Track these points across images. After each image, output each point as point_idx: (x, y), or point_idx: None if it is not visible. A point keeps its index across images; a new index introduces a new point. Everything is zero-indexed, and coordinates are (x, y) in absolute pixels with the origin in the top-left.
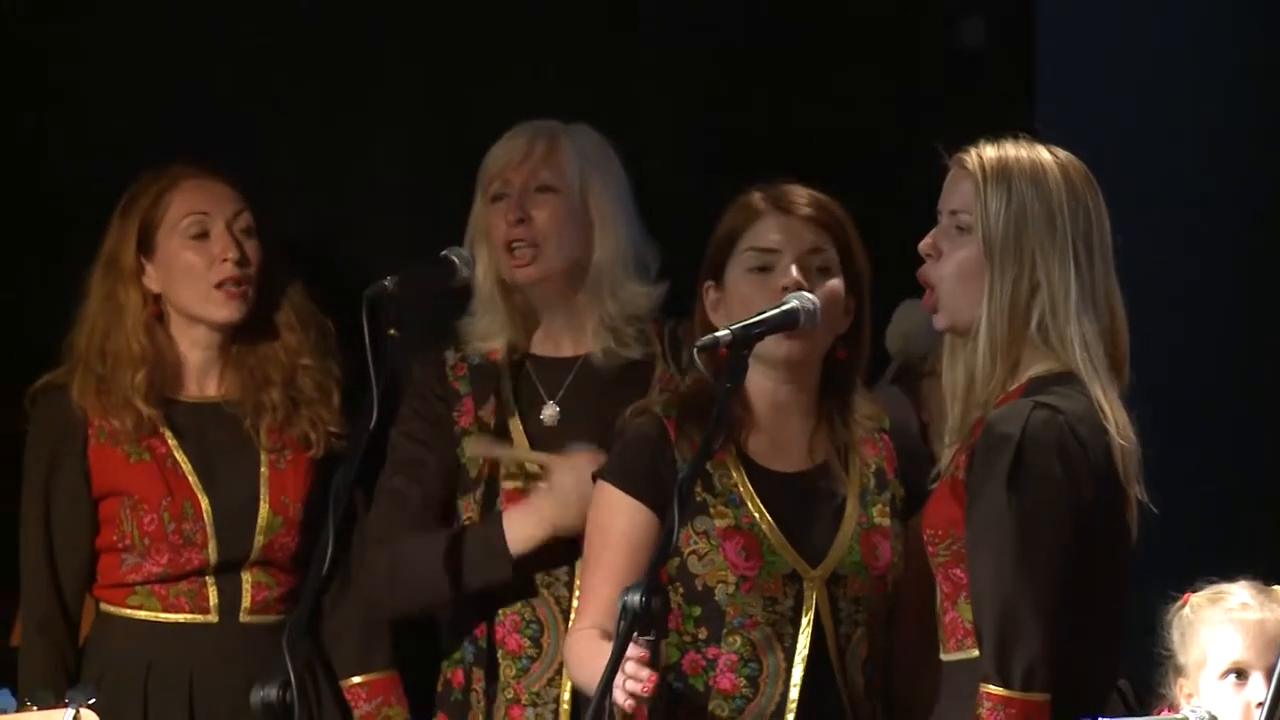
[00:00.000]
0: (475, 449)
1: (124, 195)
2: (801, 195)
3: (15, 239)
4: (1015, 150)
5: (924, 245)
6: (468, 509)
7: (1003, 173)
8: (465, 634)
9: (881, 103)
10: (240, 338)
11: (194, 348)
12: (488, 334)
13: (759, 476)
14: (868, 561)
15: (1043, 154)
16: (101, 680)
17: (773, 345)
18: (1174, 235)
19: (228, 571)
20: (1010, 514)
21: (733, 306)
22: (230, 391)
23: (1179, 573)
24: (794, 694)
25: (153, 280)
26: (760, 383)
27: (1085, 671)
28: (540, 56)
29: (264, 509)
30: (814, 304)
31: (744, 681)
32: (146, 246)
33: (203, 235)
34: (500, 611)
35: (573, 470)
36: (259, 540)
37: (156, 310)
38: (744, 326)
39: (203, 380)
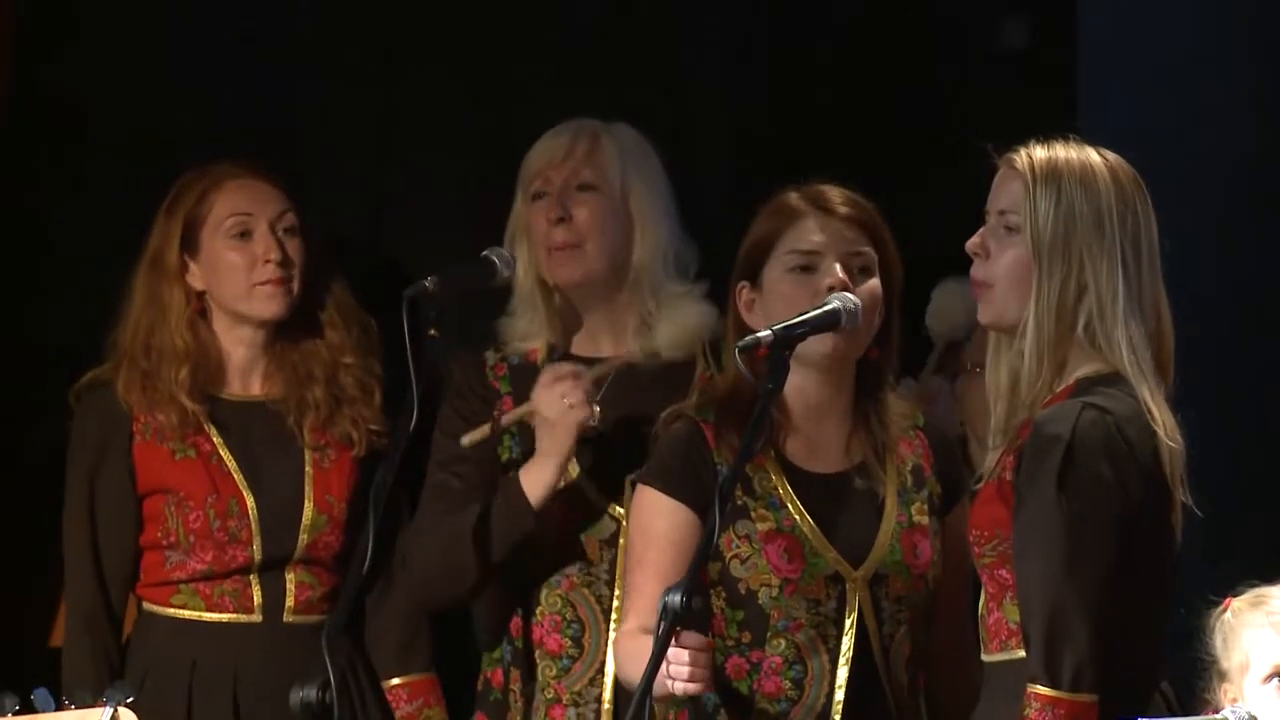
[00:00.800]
0: (472, 438)
1: (169, 193)
2: (839, 195)
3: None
4: (1065, 152)
5: (972, 244)
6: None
7: (1052, 174)
8: (504, 633)
9: (923, 104)
10: (283, 336)
11: (238, 345)
12: (527, 334)
13: (798, 478)
14: (908, 560)
15: (1092, 156)
16: (145, 679)
17: (815, 345)
18: (1216, 236)
19: (272, 570)
20: (1060, 515)
21: (773, 307)
22: (274, 390)
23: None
24: (839, 695)
25: (196, 278)
26: (798, 384)
27: (1129, 672)
28: (586, 57)
29: (309, 507)
30: (855, 304)
31: (789, 684)
32: (190, 245)
33: (246, 235)
34: (538, 611)
35: (542, 393)
36: (304, 539)
37: (200, 307)
38: (786, 327)
39: (246, 378)
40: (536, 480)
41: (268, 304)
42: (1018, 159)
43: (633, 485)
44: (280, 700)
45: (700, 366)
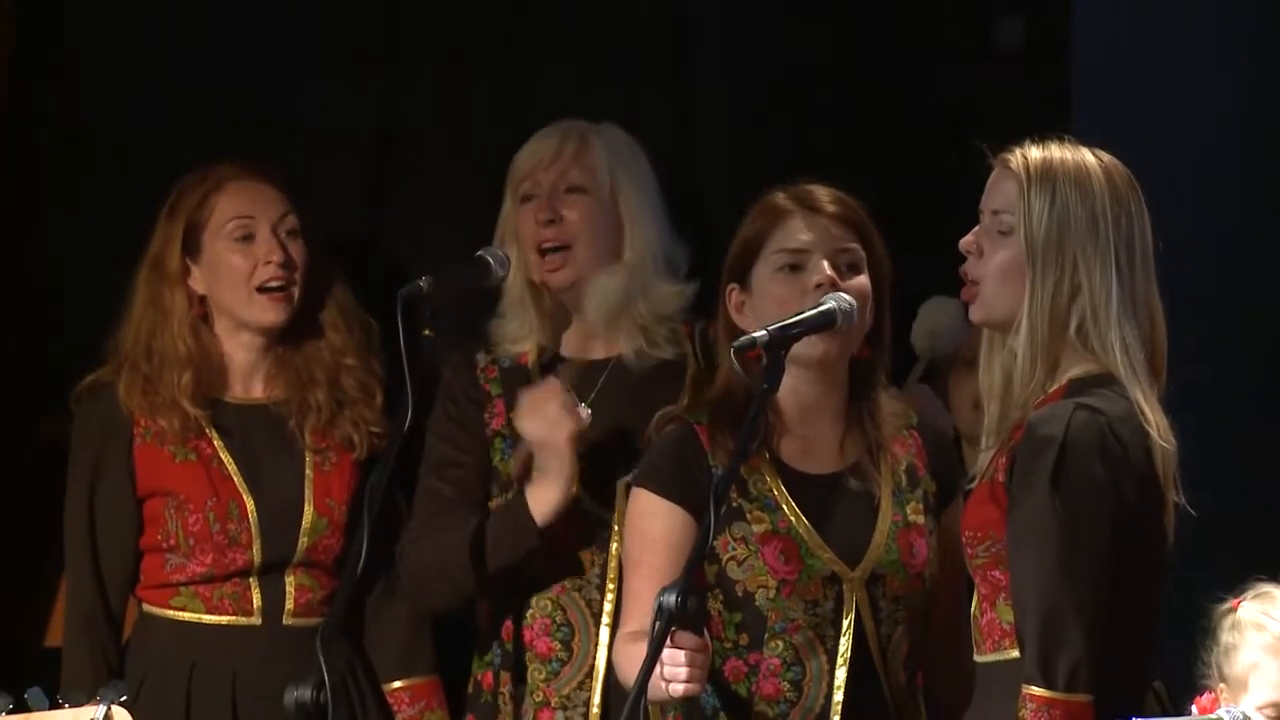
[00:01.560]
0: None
1: (170, 195)
2: (825, 194)
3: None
4: (1059, 152)
5: (965, 243)
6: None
7: (1046, 174)
8: (495, 636)
9: (919, 102)
10: (285, 338)
11: (239, 349)
12: (517, 336)
13: (793, 479)
14: (905, 560)
15: (1087, 156)
16: (144, 681)
17: (808, 345)
18: (1212, 238)
19: (271, 573)
20: (1054, 515)
21: (762, 307)
22: (275, 393)
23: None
24: (838, 696)
25: (198, 282)
26: (791, 385)
27: (1123, 672)
28: (584, 59)
29: (309, 510)
30: (850, 304)
31: (788, 685)
32: (192, 248)
33: (248, 238)
34: (529, 614)
35: (529, 424)
36: (303, 542)
37: (201, 311)
38: (781, 327)
39: (248, 381)
40: (544, 500)
41: (268, 312)
42: (1012, 159)
43: (625, 489)
44: (279, 702)
45: (691, 367)
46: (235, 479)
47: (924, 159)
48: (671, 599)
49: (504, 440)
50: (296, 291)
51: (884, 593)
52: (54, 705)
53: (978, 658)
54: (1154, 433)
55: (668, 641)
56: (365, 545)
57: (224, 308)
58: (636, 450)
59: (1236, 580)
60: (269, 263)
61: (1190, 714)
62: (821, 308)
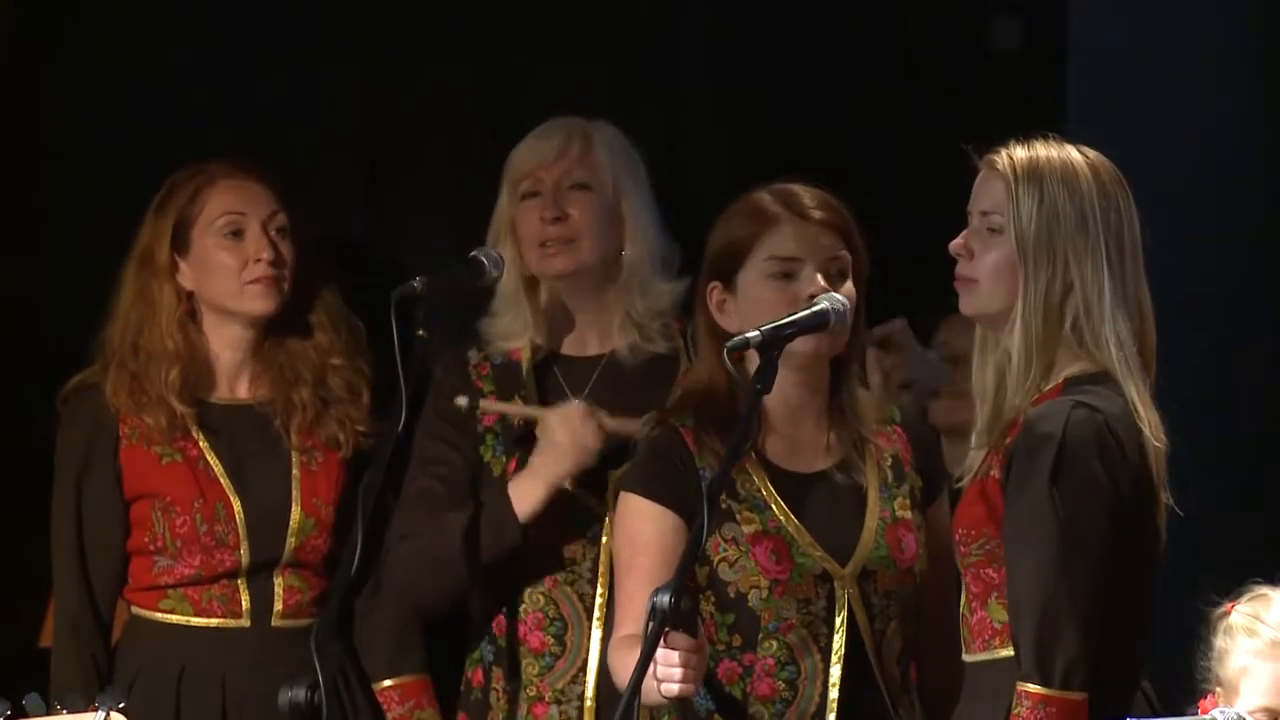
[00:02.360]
0: (486, 406)
1: (159, 192)
2: (811, 198)
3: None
4: (1046, 151)
5: (955, 246)
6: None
7: (1034, 173)
8: (486, 633)
9: (912, 102)
10: (271, 338)
11: (226, 348)
12: (510, 333)
13: (780, 479)
14: (894, 555)
15: (1073, 154)
16: (134, 684)
17: (799, 342)
18: (1208, 235)
19: (259, 574)
20: (1052, 513)
21: (748, 311)
22: (261, 393)
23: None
24: (833, 694)
25: (186, 278)
26: (777, 384)
27: (1115, 671)
28: (581, 58)
29: (296, 511)
30: (844, 304)
31: (783, 685)
32: (181, 244)
33: (238, 234)
34: (522, 609)
35: (562, 420)
36: (291, 542)
37: (189, 308)
38: (774, 328)
39: (234, 382)
40: (527, 497)
41: (258, 301)
42: (998, 159)
43: (616, 488)
44: (269, 704)
45: (684, 363)
46: (222, 480)
47: (920, 159)
48: (665, 599)
49: (495, 437)
50: (286, 287)
51: (875, 589)
52: (51, 710)
53: (967, 657)
54: (1147, 430)
55: (661, 642)
56: (360, 546)
57: (212, 303)
58: (630, 445)
59: (1235, 582)
60: (259, 260)
61: (1190, 714)
62: (815, 308)
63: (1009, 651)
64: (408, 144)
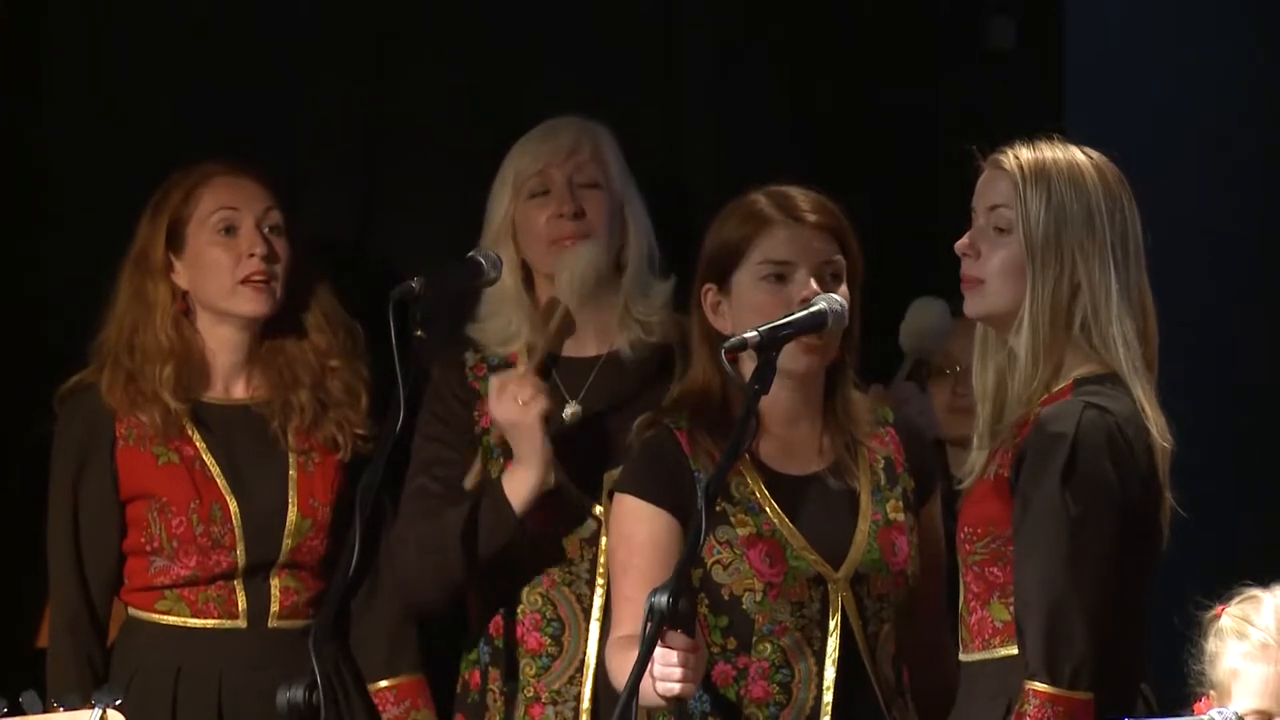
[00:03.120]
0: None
1: (157, 189)
2: (807, 201)
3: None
4: (1051, 151)
5: (961, 245)
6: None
7: (1041, 173)
8: (483, 634)
9: (908, 103)
10: (268, 339)
11: (222, 347)
12: (506, 336)
13: (774, 481)
14: (887, 558)
15: (1077, 155)
16: (131, 684)
17: (792, 359)
18: (1203, 235)
19: (256, 575)
20: (1064, 513)
21: (743, 314)
22: (258, 393)
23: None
24: (828, 697)
25: (181, 277)
26: (772, 389)
27: (1119, 671)
28: (579, 58)
29: (292, 512)
30: (842, 305)
31: (776, 688)
32: (176, 242)
33: (231, 231)
34: (520, 610)
35: (499, 405)
36: (287, 543)
37: (184, 307)
38: (772, 328)
39: (231, 382)
40: (519, 486)
41: (250, 303)
42: (1005, 159)
43: (611, 489)
44: (265, 705)
45: (680, 363)
46: (218, 481)
47: (916, 159)
48: (662, 600)
49: (500, 450)
50: (279, 287)
51: (869, 591)
52: (48, 709)
53: (964, 656)
54: (1154, 430)
55: (659, 643)
56: (357, 548)
57: (206, 301)
58: (624, 442)
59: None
60: (252, 255)
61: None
62: (813, 309)
63: (1009, 651)
64: (406, 145)
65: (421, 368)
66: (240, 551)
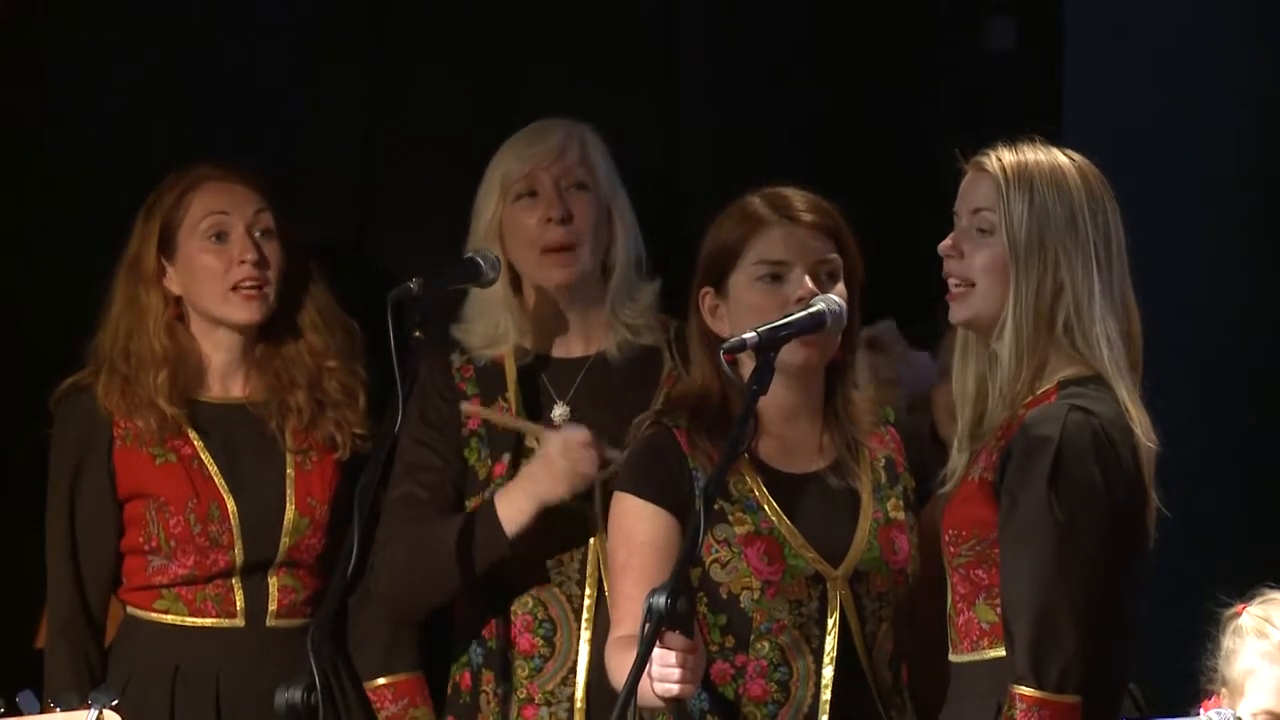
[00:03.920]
0: (470, 410)
1: (150, 194)
2: (803, 202)
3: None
4: (1034, 153)
5: (944, 246)
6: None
7: (1024, 175)
8: (475, 635)
9: (907, 103)
10: (264, 339)
11: (216, 349)
12: (492, 339)
13: (773, 480)
14: (887, 557)
15: (1059, 157)
16: (129, 683)
17: (791, 354)
18: (1202, 235)
19: (254, 574)
20: (1050, 516)
21: (740, 315)
22: (255, 393)
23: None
24: (825, 695)
25: (173, 282)
26: (771, 388)
27: (1106, 673)
28: (575, 61)
29: (290, 511)
30: (840, 305)
31: (774, 686)
32: (167, 248)
33: (221, 236)
34: (512, 611)
35: (564, 447)
36: (285, 542)
37: (177, 311)
38: (771, 329)
39: (227, 381)
40: (515, 511)
41: (242, 311)
42: (988, 161)
43: (604, 485)
44: (263, 704)
45: (667, 364)
46: (216, 480)
47: (913, 159)
48: (661, 600)
49: (479, 440)
50: (272, 292)
51: (868, 590)
52: (44, 709)
53: (953, 658)
54: (1138, 431)
55: (658, 643)
56: (356, 548)
57: (199, 307)
58: (615, 446)
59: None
60: (243, 262)
61: (1190, 715)
62: (811, 309)
63: (997, 652)
64: (403, 145)
65: (420, 368)
66: (238, 550)
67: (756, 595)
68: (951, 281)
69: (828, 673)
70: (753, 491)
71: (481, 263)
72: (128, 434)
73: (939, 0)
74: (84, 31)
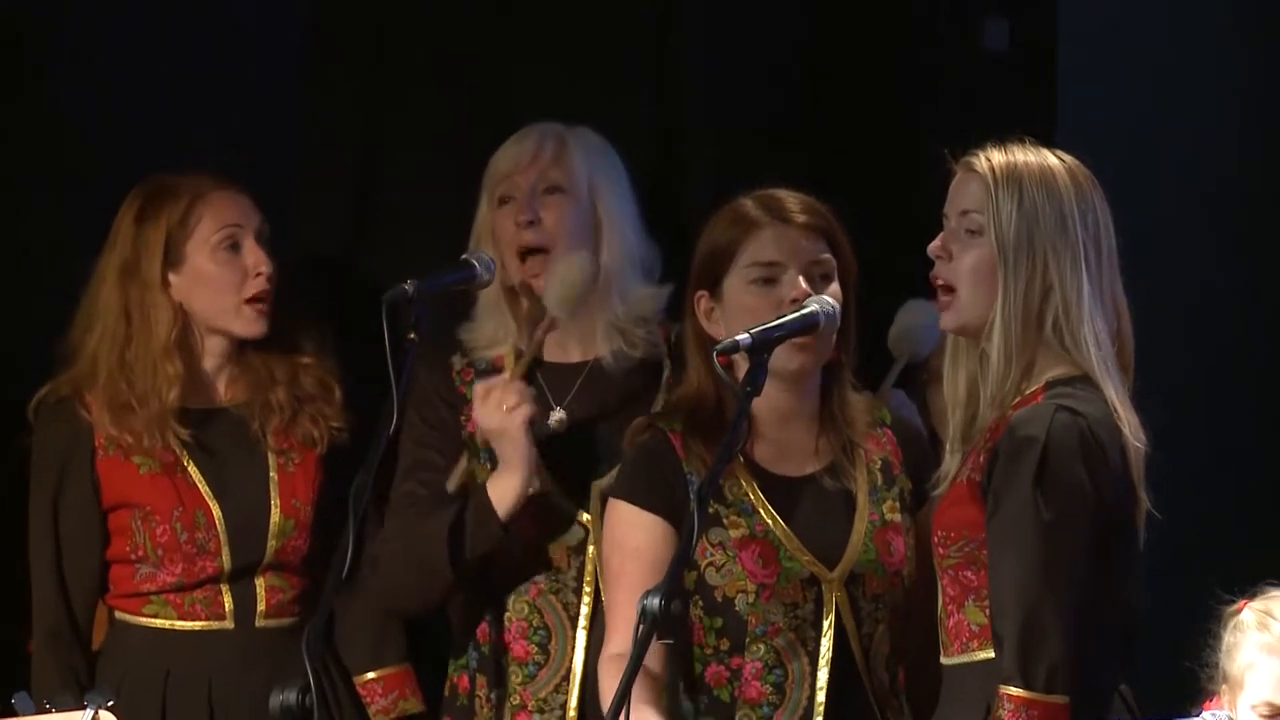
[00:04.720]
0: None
1: (136, 199)
2: (795, 202)
3: None
4: (1022, 154)
5: (933, 248)
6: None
7: (1013, 175)
8: (472, 638)
9: (902, 105)
10: (246, 342)
11: (207, 356)
12: (493, 340)
13: (768, 483)
14: (883, 559)
15: (1049, 157)
16: (120, 688)
17: (785, 359)
18: (1196, 236)
19: (242, 577)
20: (1036, 517)
21: (734, 317)
22: (237, 395)
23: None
24: (821, 697)
25: (175, 291)
26: (765, 391)
27: (1095, 673)
28: (574, 62)
29: (275, 513)
30: (833, 306)
31: (770, 689)
32: (172, 258)
33: (234, 247)
34: (505, 617)
35: (484, 410)
36: (272, 545)
37: (182, 323)
38: (764, 330)
39: (210, 388)
40: (504, 491)
41: (254, 324)
42: (977, 162)
43: (600, 493)
44: (255, 705)
45: (666, 370)
46: (200, 487)
47: (910, 160)
48: (655, 602)
49: (486, 452)
50: (272, 303)
51: (864, 592)
52: (40, 710)
53: (944, 660)
54: (1127, 430)
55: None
56: (351, 550)
57: (204, 317)
58: (613, 452)
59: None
60: (259, 274)
61: (1190, 715)
62: (804, 311)
63: (987, 654)
64: (401, 147)
65: (415, 369)
66: (225, 556)
67: (751, 598)
68: (939, 285)
69: (823, 675)
70: (747, 495)
71: (476, 264)
72: (110, 443)
73: (935, 2)
74: (82, 33)
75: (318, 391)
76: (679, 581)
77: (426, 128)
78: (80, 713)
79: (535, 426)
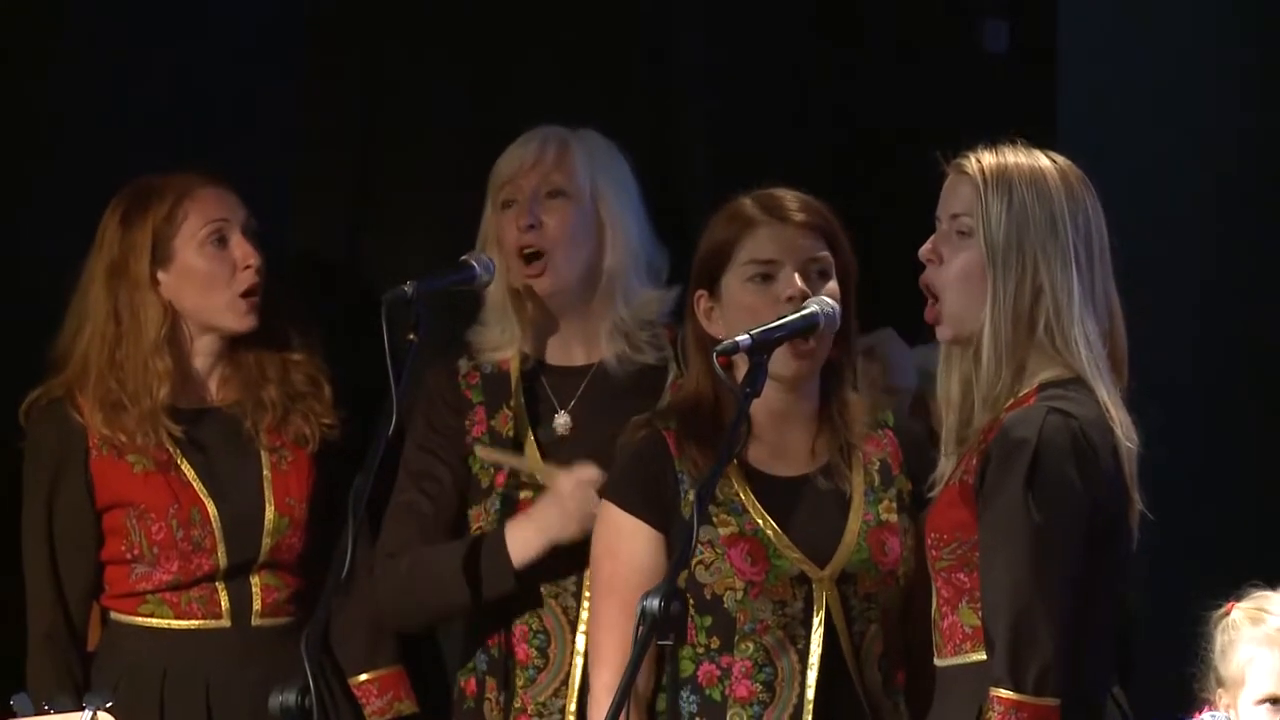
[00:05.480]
0: (485, 455)
1: (122, 201)
2: (793, 201)
3: None
4: (1014, 156)
5: (924, 251)
6: (479, 519)
7: (1003, 177)
8: (480, 642)
9: (901, 106)
10: (237, 341)
11: (198, 355)
12: (499, 343)
13: (760, 483)
14: (877, 558)
15: (1040, 159)
16: (118, 688)
17: (783, 365)
18: (1197, 237)
19: (237, 576)
20: (1027, 518)
21: (732, 316)
22: (228, 395)
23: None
24: (810, 695)
25: (164, 289)
26: (764, 391)
27: (1086, 676)
28: (572, 65)
29: (270, 511)
30: (833, 306)
31: (760, 687)
32: (160, 256)
33: (222, 241)
34: (512, 620)
35: (573, 481)
36: (267, 543)
37: (173, 321)
38: (764, 331)
39: (204, 386)
40: (525, 546)
41: (245, 319)
42: (967, 164)
43: (598, 494)
44: (252, 703)
45: (673, 373)
46: (195, 485)
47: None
48: (655, 603)
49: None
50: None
51: (855, 592)
52: (39, 712)
53: (938, 661)
54: (1119, 432)
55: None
56: (350, 553)
57: (195, 315)
58: (614, 457)
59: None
60: (248, 268)
61: None
62: (804, 311)
63: (979, 656)
64: (401, 148)
65: (414, 370)
66: (221, 554)
67: (740, 595)
68: (927, 290)
69: (812, 674)
70: (738, 495)
71: (476, 266)
72: (104, 443)
73: (934, 3)
74: (79, 34)
75: (308, 388)
76: (677, 583)
77: (426, 128)
78: (79, 714)
79: (540, 431)
